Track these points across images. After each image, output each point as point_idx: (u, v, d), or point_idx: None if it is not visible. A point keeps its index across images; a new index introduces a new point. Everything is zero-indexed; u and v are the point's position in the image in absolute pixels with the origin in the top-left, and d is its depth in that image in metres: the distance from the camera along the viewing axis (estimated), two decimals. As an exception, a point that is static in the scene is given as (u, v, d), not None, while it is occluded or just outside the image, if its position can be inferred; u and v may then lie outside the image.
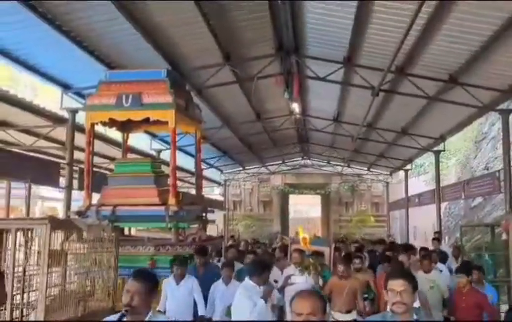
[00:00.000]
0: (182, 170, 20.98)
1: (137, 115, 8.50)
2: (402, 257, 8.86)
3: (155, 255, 8.08)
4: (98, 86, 8.65)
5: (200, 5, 8.43)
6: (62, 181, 11.45)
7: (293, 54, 11.03)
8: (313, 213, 35.63)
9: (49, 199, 25.63)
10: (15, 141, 11.75)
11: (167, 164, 16.44)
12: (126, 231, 9.62)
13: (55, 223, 5.11)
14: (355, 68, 10.83)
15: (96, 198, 8.90)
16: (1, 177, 10.87)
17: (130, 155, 11.16)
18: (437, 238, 12.82)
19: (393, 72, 10.56)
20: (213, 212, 11.64)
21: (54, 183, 11.26)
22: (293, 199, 33.48)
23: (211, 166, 24.16)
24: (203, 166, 23.37)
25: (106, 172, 12.52)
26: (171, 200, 8.33)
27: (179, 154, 16.75)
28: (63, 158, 11.58)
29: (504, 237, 9.37)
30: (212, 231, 23.95)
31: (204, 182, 26.91)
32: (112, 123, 9.19)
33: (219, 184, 28.89)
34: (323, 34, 10.04)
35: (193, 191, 24.04)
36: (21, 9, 7.60)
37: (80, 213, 8.66)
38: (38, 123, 11.48)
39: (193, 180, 23.97)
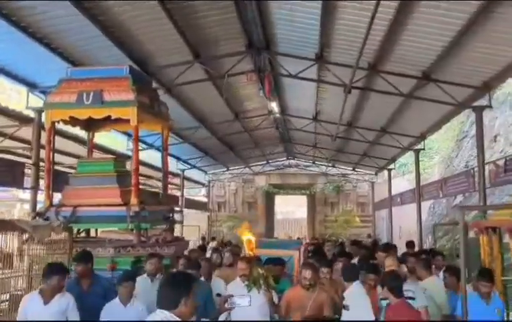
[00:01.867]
0: (157, 169, 20.75)
1: (98, 113, 8.23)
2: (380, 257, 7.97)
3: (116, 257, 7.83)
4: (58, 84, 8.39)
5: (163, 2, 8.20)
6: (28, 181, 11.15)
7: (264, 51, 10.83)
8: (300, 214, 35.46)
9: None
10: (-20, 142, 11.46)
11: (144, 164, 16.47)
12: (93, 233, 9.37)
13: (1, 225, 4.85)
14: (327, 65, 10.65)
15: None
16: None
17: (98, 155, 10.90)
18: (411, 241, 12.59)
19: (365, 69, 10.41)
20: (181, 212, 11.39)
21: (19, 184, 10.97)
22: (280, 200, 33.34)
23: (193, 166, 23.93)
24: (185, 166, 23.22)
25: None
26: (133, 200, 8.09)
27: (155, 154, 16.72)
28: (30, 158, 11.29)
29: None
30: (193, 232, 23.88)
31: (188, 183, 26.83)
32: (74, 121, 8.96)
33: (203, 185, 28.66)
34: (292, 31, 9.86)
35: (171, 192, 23.84)
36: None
37: (40, 214, 8.38)
38: (4, 123, 11.21)
39: (175, 180, 24.03)
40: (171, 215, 9.67)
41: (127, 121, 8.32)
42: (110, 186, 8.41)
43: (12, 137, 11.46)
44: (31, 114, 11.09)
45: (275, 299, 6.05)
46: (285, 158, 27.19)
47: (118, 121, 8.89)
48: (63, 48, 9.51)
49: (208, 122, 16.15)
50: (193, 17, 9.12)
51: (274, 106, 15.17)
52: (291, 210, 39.66)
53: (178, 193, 24.18)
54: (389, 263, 6.84)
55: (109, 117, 8.52)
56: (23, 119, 11.09)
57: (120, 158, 9.41)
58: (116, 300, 5.54)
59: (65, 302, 5.28)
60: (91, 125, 9.49)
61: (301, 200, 32.54)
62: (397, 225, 23.14)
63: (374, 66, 10.33)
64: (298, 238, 22.13)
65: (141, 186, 15.13)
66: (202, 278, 6.82)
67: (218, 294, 6.28)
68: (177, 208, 10.20)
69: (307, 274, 5.76)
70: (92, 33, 8.84)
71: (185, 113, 14.30)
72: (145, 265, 6.87)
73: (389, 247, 8.68)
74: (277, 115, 16.64)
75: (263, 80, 12.09)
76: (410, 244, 11.86)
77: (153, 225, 8.77)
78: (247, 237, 6.63)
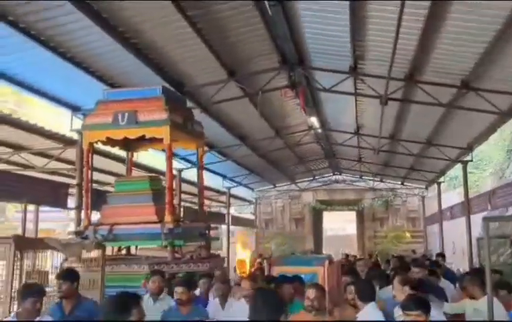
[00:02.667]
0: (207, 188, 21.01)
1: (133, 133, 8.46)
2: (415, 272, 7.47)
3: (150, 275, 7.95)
4: (96, 106, 8.70)
5: (192, 21, 8.35)
6: (71, 202, 11.55)
7: (298, 66, 10.81)
8: (350, 230, 34.90)
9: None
10: (28, 164, 11.99)
11: (187, 182, 16.74)
12: (133, 250, 9.56)
13: (19, 242, 5.03)
14: (361, 77, 10.51)
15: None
16: (12, 200, 11.07)
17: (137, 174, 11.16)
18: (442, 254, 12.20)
19: (401, 79, 10.21)
20: (217, 229, 11.45)
21: (62, 204, 11.38)
22: (329, 216, 32.95)
23: (239, 184, 24.05)
24: (231, 183, 23.40)
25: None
26: (167, 217, 8.22)
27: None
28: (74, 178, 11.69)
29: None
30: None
31: (235, 201, 27.02)
32: (112, 142, 9.23)
33: (250, 202, 28.76)
34: (324, 45, 9.81)
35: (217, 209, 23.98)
36: (22, 37, 7.74)
37: (79, 233, 8.68)
38: (50, 146, 11.69)
39: (222, 198, 24.25)
40: (207, 231, 9.78)
41: (162, 140, 8.52)
42: (146, 204, 8.61)
43: (57, 159, 11.92)
44: (75, 136, 11.50)
45: None
46: (331, 174, 26.93)
47: (155, 140, 9.09)
48: (102, 71, 9.82)
49: (249, 139, 16.24)
50: (224, 35, 9.24)
51: (314, 121, 15.11)
52: (341, 226, 39.12)
53: (224, 211, 24.40)
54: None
55: (144, 136, 8.75)
56: (67, 141, 11.51)
57: (156, 177, 9.58)
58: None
59: None
60: (129, 144, 9.76)
61: (351, 216, 32.06)
62: (449, 240, 22.36)
63: (411, 77, 10.09)
64: (312, 252, 21.49)
65: (185, 204, 15.47)
66: (217, 299, 6.84)
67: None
68: (213, 225, 10.17)
69: (311, 293, 4.96)
70: (128, 56, 9.10)
71: (224, 131, 14.44)
72: (148, 284, 6.69)
73: (421, 263, 8.48)
74: (318, 130, 16.53)
75: (298, 95, 12.09)
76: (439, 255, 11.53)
77: (187, 241, 8.87)
78: (240, 256, 6.09)
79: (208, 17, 8.48)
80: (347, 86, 11.16)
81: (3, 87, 12.15)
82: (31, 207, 14.13)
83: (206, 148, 15.51)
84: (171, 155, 8.51)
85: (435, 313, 4.79)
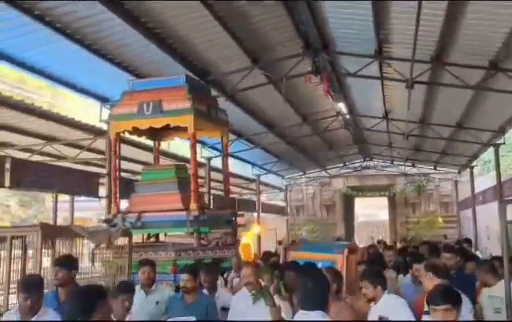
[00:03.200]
0: (236, 176, 21.18)
1: (158, 122, 8.59)
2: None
3: (177, 260, 8.10)
4: (122, 96, 8.86)
5: (213, 10, 8.40)
6: (102, 191, 11.84)
7: (322, 51, 10.74)
8: (383, 216, 34.56)
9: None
10: (60, 154, 12.34)
11: (217, 170, 16.90)
12: (162, 237, 9.74)
13: (46, 230, 5.21)
14: (387, 60, 10.39)
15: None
16: (45, 190, 11.42)
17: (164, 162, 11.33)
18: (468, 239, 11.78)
19: (427, 62, 10.04)
20: (242, 216, 11.54)
21: (94, 193, 11.68)
22: (360, 202, 32.71)
23: (269, 171, 24.12)
24: (261, 171, 23.51)
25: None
26: (192, 205, 8.34)
27: (229, 160, 17.09)
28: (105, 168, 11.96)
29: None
30: (271, 236, 24.04)
31: (266, 188, 27.14)
32: (139, 131, 9.39)
33: (280, 189, 28.81)
34: (347, 29, 9.73)
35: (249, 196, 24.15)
36: (48, 31, 7.97)
37: (108, 221, 8.89)
38: (80, 136, 11.99)
39: (252, 186, 24.39)
40: (233, 218, 9.88)
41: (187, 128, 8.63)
42: (172, 192, 8.75)
43: (88, 149, 12.21)
44: (104, 127, 11.76)
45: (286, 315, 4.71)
46: (361, 160, 26.70)
47: (180, 129, 9.21)
48: (127, 62, 10.01)
49: (276, 126, 16.27)
50: (246, 22, 9.26)
51: (342, 106, 14.99)
52: (374, 212, 38.78)
53: (255, 198, 24.56)
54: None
55: (169, 125, 8.89)
56: (97, 132, 11.78)
57: (182, 165, 9.70)
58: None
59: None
60: (155, 134, 9.92)
61: (383, 202, 31.76)
62: (483, 225, 21.94)
63: (438, 59, 9.91)
64: (338, 238, 21.25)
65: (214, 192, 15.64)
66: (205, 290, 6.12)
67: (224, 308, 5.64)
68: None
69: None
70: (152, 46, 9.24)
71: (251, 119, 14.50)
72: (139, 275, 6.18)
73: (451, 248, 7.63)
74: (346, 116, 16.40)
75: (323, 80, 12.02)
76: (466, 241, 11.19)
77: (213, 228, 8.98)
78: (245, 241, 5.45)
79: (229, 4, 8.51)
80: (373, 70, 11.05)
81: (39, 81, 12.61)
82: (66, 197, 14.57)
83: (233, 136, 15.66)
84: (195, 144, 8.61)
85: (463, 310, 3.94)
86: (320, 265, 5.53)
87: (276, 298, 4.73)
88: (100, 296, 3.29)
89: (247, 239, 5.50)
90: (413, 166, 25.87)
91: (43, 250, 5.96)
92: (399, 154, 22.44)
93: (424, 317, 4.51)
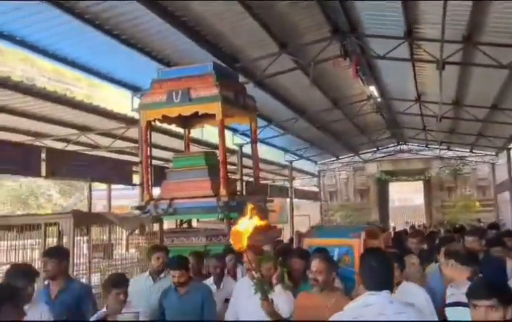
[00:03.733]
0: (268, 162, 21.24)
1: (186, 110, 8.69)
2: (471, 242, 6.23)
3: (208, 245, 8.24)
4: (151, 85, 9.00)
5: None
6: (136, 179, 12.10)
7: (350, 34, 10.63)
8: (418, 201, 34.11)
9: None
10: (94, 144, 12.65)
11: (248, 157, 16.99)
12: (194, 223, 9.90)
13: (78, 217, 5.38)
14: (417, 42, 10.21)
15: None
16: (81, 179, 11.75)
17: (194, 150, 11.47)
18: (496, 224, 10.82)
19: (459, 42, 9.82)
20: (272, 201, 11.59)
21: (128, 181, 11.95)
22: (395, 187, 32.35)
23: (301, 157, 24.08)
24: (293, 157, 23.49)
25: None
26: (222, 191, 8.44)
27: (261, 147, 17.16)
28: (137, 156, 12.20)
29: None
30: (304, 224, 24.03)
31: (298, 174, 27.11)
32: (169, 119, 9.53)
33: (313, 175, 28.73)
34: (376, 11, 9.60)
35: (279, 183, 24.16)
36: (79, 23, 8.19)
37: (141, 208, 9.09)
38: (114, 126, 12.25)
39: (284, 171, 24.39)
40: (263, 204, 9.93)
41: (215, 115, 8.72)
42: (202, 179, 8.86)
43: (121, 138, 12.47)
44: (136, 116, 11.98)
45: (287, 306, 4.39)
46: (395, 144, 26.36)
47: (208, 116, 9.30)
48: (157, 51, 10.16)
49: (307, 112, 16.21)
50: (273, 8, 9.25)
51: (373, 90, 14.81)
52: (409, 197, 38.31)
53: (288, 184, 24.57)
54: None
55: (198, 113, 8.99)
56: (129, 121, 12.01)
57: (211, 152, 9.80)
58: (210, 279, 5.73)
59: (38, 313, 3.95)
60: (185, 121, 10.05)
61: (418, 187, 31.33)
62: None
63: (470, 38, 9.68)
64: (368, 223, 20.98)
65: (247, 178, 15.75)
66: (211, 279, 5.90)
67: (227, 300, 5.17)
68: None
69: (314, 265, 4.14)
70: (180, 35, 9.35)
71: (281, 105, 14.51)
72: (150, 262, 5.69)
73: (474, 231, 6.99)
74: (378, 99, 16.20)
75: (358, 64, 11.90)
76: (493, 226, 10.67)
77: (241, 214, 9.04)
78: (237, 227, 4.34)
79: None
80: (402, 52, 10.87)
81: (76, 73, 12.93)
82: (104, 186, 14.93)
83: (264, 123, 15.70)
84: (223, 131, 8.68)
85: None
86: (336, 251, 5.25)
87: (278, 288, 4.51)
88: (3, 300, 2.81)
89: (241, 225, 4.13)
90: (449, 149, 25.43)
91: (79, 237, 6.20)
92: (434, 137, 22.05)
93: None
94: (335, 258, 5.20)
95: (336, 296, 4.05)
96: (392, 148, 27.00)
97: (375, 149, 26.66)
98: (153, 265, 5.49)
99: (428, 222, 26.48)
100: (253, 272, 4.38)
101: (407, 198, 39.17)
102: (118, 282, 4.32)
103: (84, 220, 5.72)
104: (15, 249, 6.41)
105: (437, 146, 24.74)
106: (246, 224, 4.16)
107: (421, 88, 14.66)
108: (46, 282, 4.64)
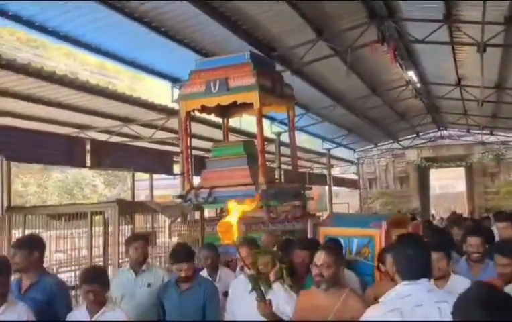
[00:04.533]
0: (306, 150, 21.25)
1: (225, 100, 8.81)
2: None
3: (247, 234, 8.37)
4: (189, 76, 9.16)
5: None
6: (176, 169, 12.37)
7: (388, 19, 10.52)
8: (459, 187, 33.44)
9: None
10: (136, 135, 12.98)
11: (286, 145, 17.07)
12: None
13: (122, 206, 5.58)
14: (456, 24, 10.02)
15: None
16: (123, 169, 12.08)
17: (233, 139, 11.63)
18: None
19: (501, 23, 9.60)
20: (310, 189, 11.63)
21: (169, 171, 12.22)
22: (436, 174, 31.80)
23: (339, 144, 23.98)
24: (331, 145, 23.41)
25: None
26: (261, 179, 8.55)
27: (299, 135, 17.19)
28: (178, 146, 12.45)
29: None
30: (344, 210, 23.96)
31: (337, 162, 27.00)
32: (208, 109, 9.69)
33: (352, 162, 28.54)
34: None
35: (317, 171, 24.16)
36: (118, 16, 8.43)
37: (182, 197, 9.30)
38: (155, 117, 12.53)
39: (322, 159, 24.35)
40: (302, 191, 10.01)
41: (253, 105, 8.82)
42: (241, 167, 8.99)
43: (162, 129, 12.75)
44: (176, 106, 12.22)
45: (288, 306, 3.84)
46: (435, 129, 25.88)
47: (246, 105, 9.41)
48: (195, 42, 10.34)
49: (344, 99, 16.13)
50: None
51: (412, 75, 14.60)
52: (451, 183, 37.59)
53: (325, 172, 24.51)
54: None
55: (236, 102, 9.11)
56: (169, 112, 12.25)
57: (250, 141, 9.91)
58: (83, 310, 3.94)
59: (16, 313, 3.61)
60: (224, 111, 10.19)
61: (460, 173, 30.70)
62: None
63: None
64: (414, 210, 20.57)
65: (285, 167, 15.83)
66: (205, 272, 5.28)
67: (226, 293, 4.68)
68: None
69: (320, 257, 3.56)
70: (218, 25, 9.48)
71: (318, 93, 14.49)
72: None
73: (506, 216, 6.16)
74: (417, 85, 15.95)
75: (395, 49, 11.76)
76: None
77: (282, 201, 9.16)
78: (226, 219, 3.86)
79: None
80: (442, 35, 10.69)
81: (118, 66, 13.29)
82: (147, 176, 15.30)
83: (302, 111, 15.71)
84: (261, 119, 8.77)
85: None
86: (354, 242, 4.84)
87: (277, 286, 3.99)
88: None
89: (230, 216, 3.59)
90: (491, 133, 24.78)
91: (124, 225, 6.42)
92: (475, 122, 21.55)
93: None
94: (353, 251, 4.87)
95: (344, 294, 3.48)
96: (432, 134, 26.52)
97: (415, 135, 26.24)
98: (131, 257, 4.93)
99: (470, 209, 25.98)
100: (246, 269, 4.02)
101: (448, 185, 38.47)
102: (90, 278, 3.84)
103: (128, 208, 5.92)
104: (64, 238, 6.71)
105: (479, 131, 24.17)
106: (237, 215, 3.72)
107: (461, 72, 14.36)
108: (18, 276, 4.19)
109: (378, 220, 5.02)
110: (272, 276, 4.03)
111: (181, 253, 4.53)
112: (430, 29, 10.39)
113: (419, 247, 2.95)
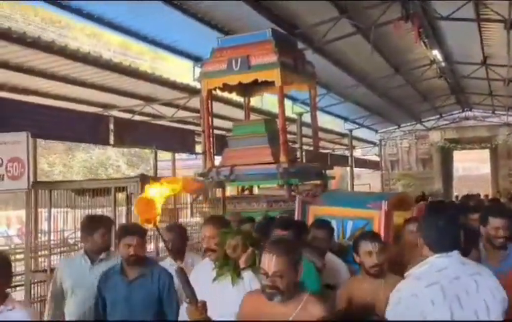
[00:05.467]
0: (328, 131, 21.14)
1: (246, 78, 8.76)
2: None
3: (269, 211, 8.40)
4: (211, 54, 9.16)
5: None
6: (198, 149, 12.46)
7: (413, -5, 10.37)
8: (483, 170, 32.98)
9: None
10: (158, 114, 13.08)
11: (307, 126, 17.01)
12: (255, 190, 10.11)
13: (145, 181, 5.64)
14: (483, 0, 9.81)
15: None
16: (145, 147, 12.24)
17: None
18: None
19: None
20: (332, 169, 11.58)
21: (190, 150, 12.33)
22: (459, 156, 31.42)
23: (361, 125, 23.78)
24: (353, 125, 23.24)
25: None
26: (282, 157, 8.54)
27: (321, 115, 17.11)
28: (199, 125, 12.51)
29: None
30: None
31: (359, 143, 26.82)
32: (229, 88, 9.69)
33: (374, 144, 28.31)
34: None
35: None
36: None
37: (203, 175, 9.37)
38: (176, 96, 12.60)
39: (344, 140, 24.21)
40: (323, 171, 9.98)
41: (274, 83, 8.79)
42: (262, 146, 8.99)
43: (183, 108, 12.82)
44: (198, 85, 12.25)
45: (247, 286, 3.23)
46: (459, 110, 25.49)
47: (267, 84, 9.38)
48: (217, 20, 10.32)
49: (367, 78, 15.97)
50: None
51: (436, 54, 14.38)
52: (474, 165, 37.09)
53: (348, 153, 24.38)
54: None
55: (257, 80, 9.09)
56: (191, 91, 12.30)
57: (271, 119, 9.90)
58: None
59: None
60: (245, 90, 10.18)
61: (484, 155, 30.27)
62: None
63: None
64: (435, 192, 20.14)
65: (306, 148, 15.80)
66: (168, 259, 4.48)
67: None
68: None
69: (270, 262, 2.71)
70: (240, 2, 9.45)
71: (340, 72, 14.37)
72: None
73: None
74: (442, 64, 15.70)
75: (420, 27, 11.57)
76: None
77: (303, 180, 9.15)
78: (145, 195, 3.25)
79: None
80: (468, 12, 10.47)
81: (140, 47, 13.39)
82: (169, 156, 15.46)
83: (323, 91, 15.61)
84: (282, 98, 8.71)
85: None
86: (348, 224, 4.34)
87: (248, 275, 3.34)
88: None
89: (151, 191, 3.02)
90: (517, 114, 24.35)
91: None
92: (501, 103, 21.16)
93: None
94: (347, 234, 4.34)
95: (303, 301, 2.72)
96: (456, 115, 26.16)
97: (438, 116, 25.88)
98: (94, 242, 4.20)
99: (494, 191, 25.62)
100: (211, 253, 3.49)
101: (471, 167, 38.00)
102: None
103: (151, 184, 5.98)
104: (88, 215, 6.83)
105: (505, 112, 23.73)
106: (158, 191, 3.14)
107: (487, 51, 14.08)
108: None
109: (378, 199, 4.37)
110: (242, 262, 3.38)
111: (132, 226, 4.02)
112: (456, 6, 10.19)
113: (450, 218, 2.85)
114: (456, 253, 2.69)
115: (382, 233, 4.11)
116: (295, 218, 5.37)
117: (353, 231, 4.30)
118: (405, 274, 2.81)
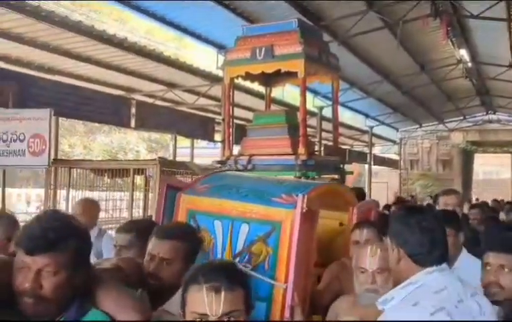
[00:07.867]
0: (348, 127, 21.01)
1: (269, 67, 8.68)
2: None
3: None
4: (235, 42, 9.13)
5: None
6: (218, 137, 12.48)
7: (443, -8, 10.20)
8: (505, 174, 32.50)
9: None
10: (180, 100, 13.12)
11: (328, 120, 16.92)
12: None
13: (164, 164, 5.68)
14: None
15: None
16: (166, 131, 12.31)
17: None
18: None
19: None
20: (350, 164, 11.49)
21: (210, 137, 12.36)
22: (481, 159, 31.00)
23: (382, 123, 23.57)
24: (374, 123, 23.05)
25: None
26: (301, 149, 8.49)
27: (342, 111, 16.98)
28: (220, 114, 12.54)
29: None
30: (382, 191, 23.64)
31: (379, 140, 26.61)
32: (252, 77, 9.66)
33: (394, 142, 28.06)
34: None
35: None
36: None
37: (222, 163, 9.38)
38: (198, 83, 12.61)
39: (364, 137, 24.04)
40: (341, 166, 9.91)
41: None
42: (282, 137, 8.93)
43: (205, 96, 12.84)
44: (220, 74, 12.25)
45: None
46: (483, 113, 25.08)
47: (290, 75, 9.32)
48: (242, 8, 10.27)
49: (391, 75, 15.79)
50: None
51: (464, 53, 14.15)
52: (495, 170, 36.57)
53: (367, 150, 24.21)
54: None
55: (280, 71, 9.04)
56: (213, 78, 12.31)
57: (291, 111, 9.84)
58: None
59: None
60: (268, 80, 10.13)
61: (506, 159, 29.82)
62: None
63: None
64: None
65: (326, 142, 15.71)
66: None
67: None
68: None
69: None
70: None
71: (365, 67, 14.22)
72: None
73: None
74: (468, 64, 15.46)
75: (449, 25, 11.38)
76: None
77: (320, 173, 9.08)
78: None
79: None
80: (499, 11, 10.26)
81: (165, 33, 13.43)
82: (187, 143, 15.55)
83: (346, 85, 15.48)
84: (305, 89, 8.61)
85: None
86: (243, 231, 2.66)
87: None
88: None
89: None
90: (543, 119, 23.92)
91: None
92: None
93: None
94: (235, 249, 2.65)
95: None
96: (480, 117, 25.74)
97: (462, 117, 25.48)
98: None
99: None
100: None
101: (492, 171, 37.50)
102: None
103: (169, 167, 6.02)
104: (105, 200, 6.89)
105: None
106: None
107: (516, 53, 13.83)
108: None
109: (294, 191, 2.72)
110: None
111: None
112: (487, 5, 10.00)
113: (436, 219, 2.27)
114: (446, 267, 2.16)
115: (294, 246, 2.57)
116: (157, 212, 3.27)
117: (249, 241, 2.66)
118: (379, 300, 2.14)
